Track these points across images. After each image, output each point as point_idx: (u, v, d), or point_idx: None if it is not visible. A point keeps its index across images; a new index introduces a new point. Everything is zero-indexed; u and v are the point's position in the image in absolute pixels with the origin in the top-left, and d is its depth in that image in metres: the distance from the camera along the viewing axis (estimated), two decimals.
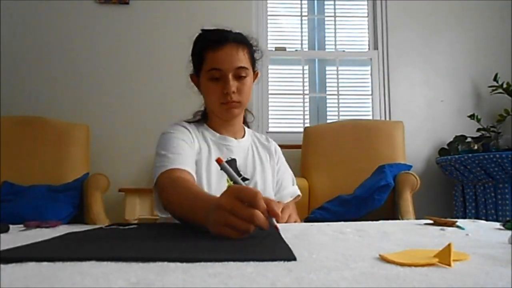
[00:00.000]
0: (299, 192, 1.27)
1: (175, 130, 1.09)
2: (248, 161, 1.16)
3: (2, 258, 0.41)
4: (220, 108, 1.10)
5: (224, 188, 1.04)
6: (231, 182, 1.07)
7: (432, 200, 2.76)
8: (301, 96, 3.00)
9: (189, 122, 1.17)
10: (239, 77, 1.07)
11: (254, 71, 1.15)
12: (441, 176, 2.77)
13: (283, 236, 0.60)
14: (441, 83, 2.95)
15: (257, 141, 1.25)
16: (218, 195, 0.91)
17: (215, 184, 1.07)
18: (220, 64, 1.06)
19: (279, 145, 1.31)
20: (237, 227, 0.58)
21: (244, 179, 1.12)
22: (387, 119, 2.91)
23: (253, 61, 1.13)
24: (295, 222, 1.11)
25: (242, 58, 1.07)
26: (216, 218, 0.60)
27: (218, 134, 1.16)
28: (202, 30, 1.13)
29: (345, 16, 3.14)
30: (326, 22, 3.15)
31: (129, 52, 2.83)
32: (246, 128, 1.26)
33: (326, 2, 3.16)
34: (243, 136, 1.21)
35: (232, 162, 1.13)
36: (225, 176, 1.07)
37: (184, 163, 0.99)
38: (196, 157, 1.08)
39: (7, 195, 2.14)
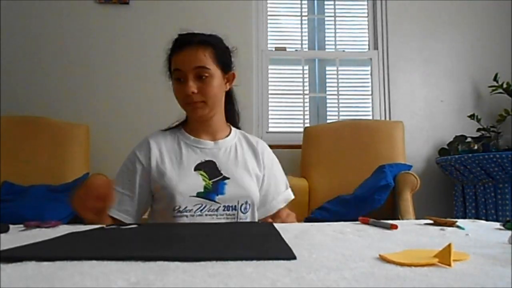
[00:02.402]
0: (292, 196, 1.26)
1: (127, 160, 1.16)
2: (230, 160, 1.16)
3: (3, 258, 0.41)
4: (186, 109, 1.14)
5: (200, 189, 1.08)
6: (209, 181, 1.10)
7: (432, 200, 2.76)
8: (301, 96, 3.00)
9: (167, 129, 1.22)
10: (200, 78, 1.09)
11: (226, 72, 1.16)
12: (441, 176, 2.77)
13: (283, 236, 0.61)
14: (441, 83, 2.95)
15: (244, 141, 1.24)
16: (192, 195, 1.07)
17: (188, 184, 1.09)
18: (180, 65, 1.09)
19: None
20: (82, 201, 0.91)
21: (225, 178, 1.12)
22: (387, 119, 2.91)
23: (220, 62, 1.13)
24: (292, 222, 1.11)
25: (202, 59, 1.09)
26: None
27: (192, 137, 1.18)
28: (178, 34, 1.16)
29: (345, 16, 3.14)
30: (326, 22, 3.15)
31: (129, 52, 2.82)
32: (233, 128, 1.25)
33: (326, 2, 3.16)
34: (227, 136, 1.21)
35: (207, 164, 1.14)
36: (200, 177, 1.10)
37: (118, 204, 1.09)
38: (162, 166, 1.11)
39: (7, 195, 2.14)
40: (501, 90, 2.71)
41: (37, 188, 2.18)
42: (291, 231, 0.69)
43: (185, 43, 1.10)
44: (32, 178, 2.27)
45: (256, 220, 1.15)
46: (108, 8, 2.85)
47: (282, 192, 1.24)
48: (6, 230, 0.72)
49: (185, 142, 1.17)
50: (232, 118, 1.27)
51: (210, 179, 1.11)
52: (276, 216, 1.16)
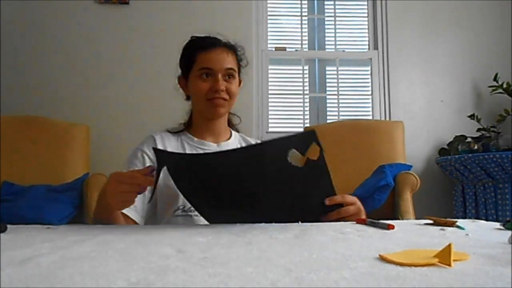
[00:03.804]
0: None
1: (133, 157, 1.14)
2: None
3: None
4: (206, 104, 1.15)
5: None
6: None
7: (432, 200, 2.76)
8: (301, 96, 3.00)
9: (171, 131, 1.23)
10: (228, 78, 1.15)
11: (239, 76, 1.22)
12: (441, 176, 2.77)
13: (283, 236, 0.60)
14: (441, 83, 2.95)
15: (244, 144, 1.26)
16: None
17: None
18: (211, 64, 1.13)
19: None
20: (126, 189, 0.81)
21: None
22: (387, 119, 2.91)
23: (239, 66, 1.21)
24: None
25: (231, 61, 1.16)
26: (109, 187, 0.85)
27: (196, 139, 1.20)
28: (193, 36, 1.21)
29: (345, 16, 3.14)
30: (326, 22, 3.15)
31: (129, 52, 2.82)
32: (233, 132, 1.27)
33: (326, 2, 3.16)
34: (229, 139, 1.23)
35: None
36: None
37: None
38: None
39: (7, 195, 2.14)
40: (501, 90, 2.71)
41: (37, 188, 2.18)
42: (291, 231, 0.69)
43: (215, 44, 1.16)
44: (32, 178, 2.27)
45: None
46: (108, 8, 2.85)
47: None
48: (3, 230, 0.72)
49: (188, 143, 1.19)
50: (231, 121, 1.30)
51: None
52: None
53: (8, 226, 0.74)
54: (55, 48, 2.81)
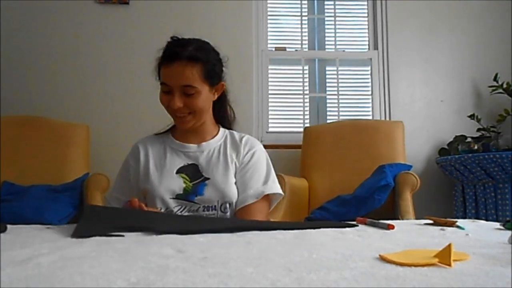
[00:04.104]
0: (271, 191, 1.17)
1: (122, 167, 1.24)
2: (212, 161, 1.19)
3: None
4: (173, 117, 1.17)
5: (180, 191, 1.13)
6: (190, 184, 1.14)
7: (432, 200, 2.76)
8: (301, 96, 3.00)
9: (159, 133, 1.26)
10: (187, 94, 1.10)
11: (214, 85, 1.16)
12: (441, 176, 2.77)
13: (283, 235, 0.60)
14: (441, 83, 2.95)
15: (229, 141, 1.24)
16: (172, 197, 1.13)
17: (168, 187, 1.13)
18: (168, 80, 1.10)
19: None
20: None
21: (205, 179, 1.15)
22: (387, 119, 2.91)
23: (209, 77, 1.12)
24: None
25: (189, 76, 1.08)
26: None
27: (177, 142, 1.22)
28: (169, 39, 1.16)
29: (345, 16, 3.14)
30: (326, 22, 3.15)
31: (129, 52, 2.82)
32: (221, 129, 1.26)
33: (326, 2, 3.16)
34: (214, 137, 1.23)
35: (189, 167, 1.17)
36: (181, 179, 1.14)
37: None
38: (147, 170, 1.18)
39: (7, 195, 2.14)
40: (501, 90, 2.71)
41: (37, 188, 2.18)
42: (291, 231, 0.70)
43: (174, 56, 1.08)
44: (32, 178, 2.26)
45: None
46: (108, 8, 2.85)
47: (256, 187, 1.16)
48: (3, 230, 0.72)
49: (170, 146, 1.22)
50: (222, 119, 1.28)
51: (191, 182, 1.14)
52: (240, 213, 1.13)
53: (8, 226, 0.74)
54: (55, 48, 2.80)
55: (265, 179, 1.19)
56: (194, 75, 1.09)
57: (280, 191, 1.21)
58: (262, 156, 1.24)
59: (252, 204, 1.14)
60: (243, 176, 1.18)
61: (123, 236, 0.66)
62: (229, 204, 1.14)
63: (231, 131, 1.28)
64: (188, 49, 1.09)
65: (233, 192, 1.15)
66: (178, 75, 1.08)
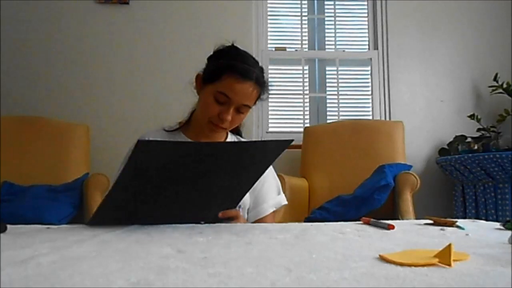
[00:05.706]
0: (284, 202, 1.25)
1: (125, 158, 1.16)
2: None
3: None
4: (206, 125, 1.12)
5: None
6: None
7: (432, 200, 2.76)
8: (301, 96, 3.00)
9: (168, 130, 1.22)
10: (238, 111, 1.11)
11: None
12: (441, 176, 2.77)
13: (284, 235, 0.60)
14: (441, 83, 2.95)
15: None
16: None
17: None
18: (232, 95, 1.07)
19: None
20: None
21: None
22: (387, 119, 2.91)
23: (257, 100, 1.16)
24: None
25: (251, 98, 1.11)
26: None
27: (189, 140, 1.19)
28: (233, 46, 1.14)
29: (345, 16, 3.14)
30: (326, 22, 3.15)
31: (129, 52, 2.82)
32: (229, 134, 1.26)
33: (326, 2, 3.16)
34: (223, 141, 1.23)
35: None
36: None
37: None
38: None
39: (7, 195, 2.14)
40: (501, 90, 2.71)
41: (37, 188, 2.18)
42: (291, 231, 0.69)
43: (247, 74, 1.08)
44: (32, 178, 2.26)
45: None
46: (108, 8, 2.85)
47: (274, 197, 1.22)
48: (3, 230, 0.72)
49: None
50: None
51: None
52: (260, 222, 1.15)
53: (8, 226, 0.74)
54: (55, 48, 2.81)
55: (278, 189, 1.26)
56: (254, 97, 1.12)
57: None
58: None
59: (271, 213, 1.21)
60: (261, 184, 1.19)
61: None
62: (240, 207, 1.13)
63: (237, 136, 1.30)
64: (256, 70, 1.11)
65: (245, 197, 1.14)
66: (244, 95, 1.08)
